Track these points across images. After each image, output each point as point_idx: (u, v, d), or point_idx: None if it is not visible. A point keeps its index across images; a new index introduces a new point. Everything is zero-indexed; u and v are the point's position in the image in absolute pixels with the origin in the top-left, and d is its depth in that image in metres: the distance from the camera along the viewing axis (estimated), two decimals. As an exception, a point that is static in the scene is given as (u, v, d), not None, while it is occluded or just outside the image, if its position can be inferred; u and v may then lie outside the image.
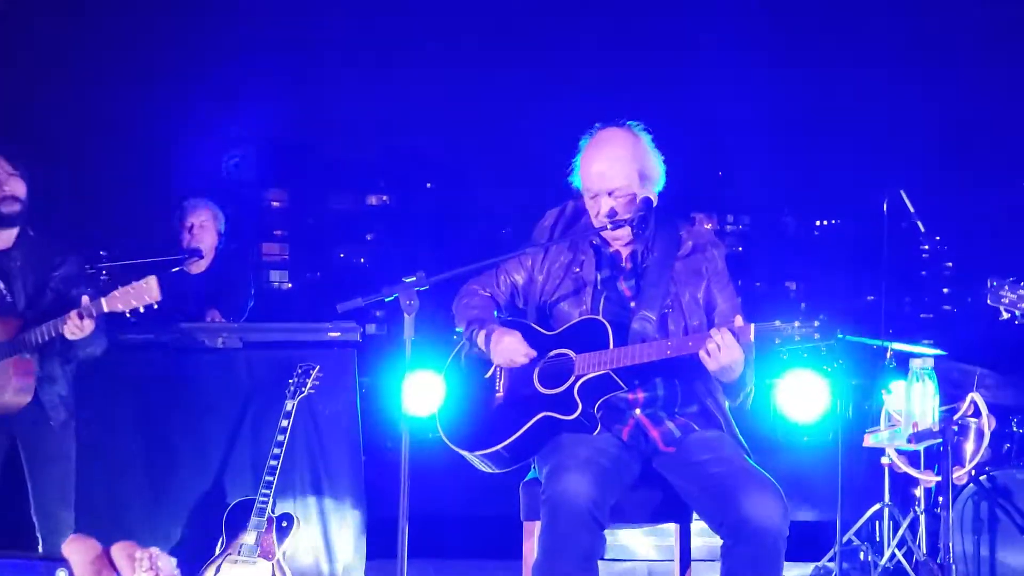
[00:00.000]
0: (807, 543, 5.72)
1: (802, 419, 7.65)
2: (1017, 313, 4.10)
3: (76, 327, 4.21)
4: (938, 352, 5.73)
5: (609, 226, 3.72)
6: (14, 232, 4.47)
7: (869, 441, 3.98)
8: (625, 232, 3.74)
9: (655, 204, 3.78)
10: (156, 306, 4.24)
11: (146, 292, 4.19)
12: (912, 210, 5.47)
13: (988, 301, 4.14)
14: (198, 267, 6.01)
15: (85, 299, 4.23)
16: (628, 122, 3.83)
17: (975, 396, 3.95)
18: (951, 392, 4.94)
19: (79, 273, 4.52)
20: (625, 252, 3.84)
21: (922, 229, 5.50)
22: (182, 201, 6.07)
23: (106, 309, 4.21)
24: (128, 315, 4.26)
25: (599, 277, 3.81)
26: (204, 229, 5.99)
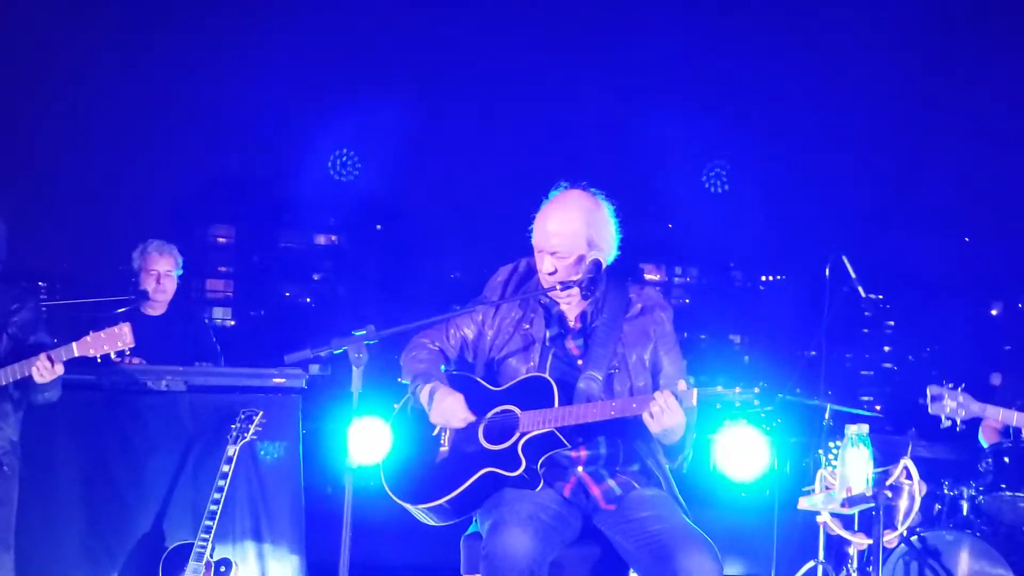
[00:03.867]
0: (743, 599, 5.79)
1: (740, 476, 7.74)
2: (958, 420, 4.21)
3: (45, 369, 4.20)
4: (874, 415, 5.84)
5: (558, 286, 3.78)
6: None
7: (804, 504, 4.04)
8: (574, 292, 3.80)
9: (605, 265, 3.85)
10: (128, 352, 4.25)
11: (119, 338, 4.22)
12: (854, 275, 5.58)
13: (929, 410, 4.24)
14: (154, 309, 6.00)
15: (58, 350, 4.23)
16: (592, 188, 3.89)
17: (907, 462, 4.04)
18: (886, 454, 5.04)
19: (36, 319, 4.47)
20: (574, 312, 3.90)
21: (862, 294, 5.61)
22: (145, 243, 6.03)
23: (77, 353, 4.22)
24: (99, 359, 4.25)
25: (548, 335, 3.87)
26: (169, 278, 6.00)
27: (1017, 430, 5.39)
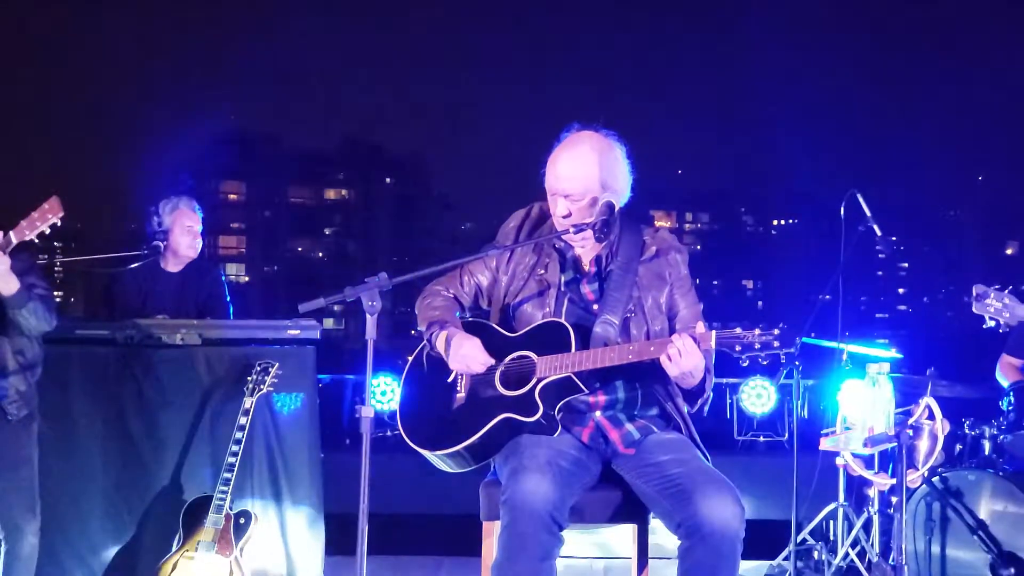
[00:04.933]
0: (762, 542, 5.77)
1: (755, 410, 7.75)
2: (1001, 321, 4.16)
3: None
4: (894, 355, 5.80)
5: (571, 230, 3.74)
6: None
7: (825, 445, 4.02)
8: (588, 236, 3.76)
9: (618, 209, 3.80)
10: (59, 223, 4.25)
11: (49, 211, 4.24)
12: (868, 213, 5.51)
13: (973, 309, 4.19)
14: (175, 265, 5.99)
15: None
16: (604, 130, 3.83)
17: (929, 400, 4.01)
18: (905, 394, 5.02)
19: (28, 268, 4.48)
20: (589, 256, 3.86)
21: (878, 232, 5.55)
22: (176, 200, 6.00)
23: (15, 240, 4.23)
24: (36, 240, 4.27)
25: (562, 280, 3.83)
26: (199, 234, 6.01)
27: None
